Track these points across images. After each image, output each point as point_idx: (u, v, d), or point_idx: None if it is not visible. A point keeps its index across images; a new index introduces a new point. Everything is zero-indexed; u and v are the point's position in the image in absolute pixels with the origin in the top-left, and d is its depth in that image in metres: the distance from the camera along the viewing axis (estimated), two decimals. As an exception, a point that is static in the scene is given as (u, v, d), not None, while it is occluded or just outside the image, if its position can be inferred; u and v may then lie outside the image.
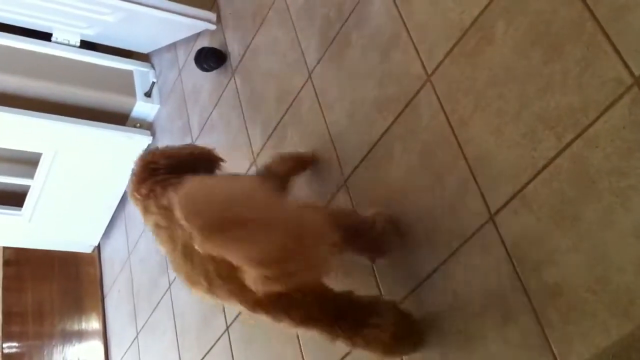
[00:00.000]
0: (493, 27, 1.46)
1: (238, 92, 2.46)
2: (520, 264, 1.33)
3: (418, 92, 1.63)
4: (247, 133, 2.35)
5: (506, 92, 1.41)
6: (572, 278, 1.23)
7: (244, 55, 2.46)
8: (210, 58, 2.56)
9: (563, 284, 1.24)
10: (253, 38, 2.41)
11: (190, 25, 2.65)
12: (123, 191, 3.20)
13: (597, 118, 1.22)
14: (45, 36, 2.86)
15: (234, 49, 2.55)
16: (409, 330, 1.51)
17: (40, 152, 2.78)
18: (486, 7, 1.48)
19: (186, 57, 2.91)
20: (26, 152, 2.87)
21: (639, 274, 1.12)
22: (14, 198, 3.06)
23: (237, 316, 2.26)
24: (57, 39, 2.84)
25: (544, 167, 1.30)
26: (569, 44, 1.30)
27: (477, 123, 1.46)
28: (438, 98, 1.58)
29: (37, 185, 2.92)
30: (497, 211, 1.39)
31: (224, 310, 2.36)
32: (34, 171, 2.88)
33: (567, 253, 1.24)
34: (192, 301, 2.59)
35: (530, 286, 1.30)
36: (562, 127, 1.28)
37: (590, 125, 1.23)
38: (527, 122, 1.35)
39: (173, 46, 3.05)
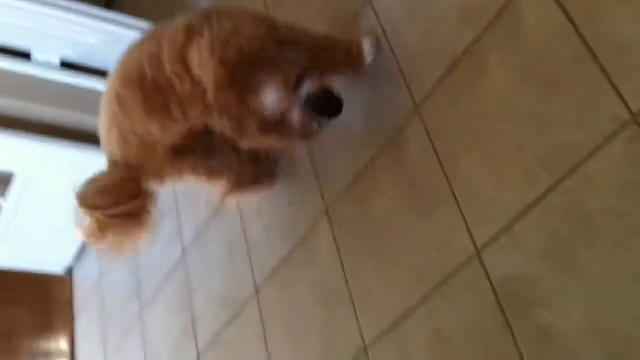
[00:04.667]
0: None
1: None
2: (508, 303, 1.28)
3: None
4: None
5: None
6: (564, 324, 1.18)
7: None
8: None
9: (553, 329, 1.19)
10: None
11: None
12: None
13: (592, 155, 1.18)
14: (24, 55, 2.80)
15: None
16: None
17: (12, 170, 2.71)
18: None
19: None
20: (-2, 170, 2.79)
21: (636, 321, 1.08)
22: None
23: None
24: (36, 59, 2.78)
25: (534, 203, 1.26)
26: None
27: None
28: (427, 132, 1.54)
29: (9, 205, 2.84)
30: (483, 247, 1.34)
31: (195, 337, 2.29)
32: (6, 189, 2.80)
33: (560, 295, 1.19)
34: (163, 328, 2.52)
35: (519, 328, 1.25)
36: (556, 164, 1.24)
37: (584, 161, 1.19)
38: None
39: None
